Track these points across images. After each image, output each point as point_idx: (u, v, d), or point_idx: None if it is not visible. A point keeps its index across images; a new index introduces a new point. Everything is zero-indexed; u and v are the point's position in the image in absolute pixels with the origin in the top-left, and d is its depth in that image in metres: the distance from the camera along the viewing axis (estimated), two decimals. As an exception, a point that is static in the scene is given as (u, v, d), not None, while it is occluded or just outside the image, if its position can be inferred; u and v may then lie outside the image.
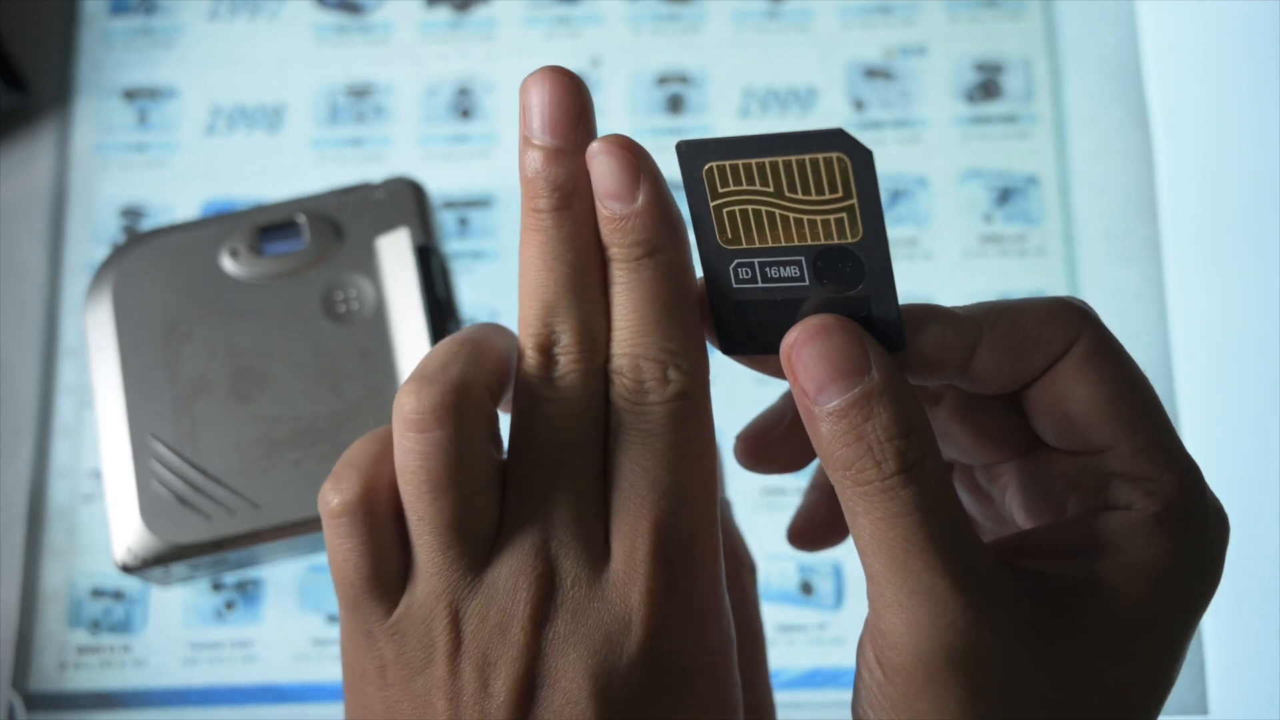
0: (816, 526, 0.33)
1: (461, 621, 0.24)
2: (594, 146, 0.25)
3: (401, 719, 0.25)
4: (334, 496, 0.25)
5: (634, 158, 0.25)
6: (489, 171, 0.57)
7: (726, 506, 0.32)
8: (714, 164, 0.25)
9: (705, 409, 0.26)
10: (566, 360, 0.25)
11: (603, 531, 0.25)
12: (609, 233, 0.25)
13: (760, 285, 0.25)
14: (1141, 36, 0.58)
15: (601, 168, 0.25)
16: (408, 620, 0.25)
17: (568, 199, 0.25)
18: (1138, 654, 0.24)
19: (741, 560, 0.33)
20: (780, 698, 0.51)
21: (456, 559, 0.24)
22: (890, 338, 0.25)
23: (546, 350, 0.25)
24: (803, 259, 0.25)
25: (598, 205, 0.25)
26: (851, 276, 0.25)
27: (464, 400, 0.24)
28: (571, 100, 0.25)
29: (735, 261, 0.25)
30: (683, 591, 0.24)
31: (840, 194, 0.24)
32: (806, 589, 0.52)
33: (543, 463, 0.25)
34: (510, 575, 0.24)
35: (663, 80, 0.58)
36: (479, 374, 0.25)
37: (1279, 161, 0.56)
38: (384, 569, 0.25)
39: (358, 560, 0.25)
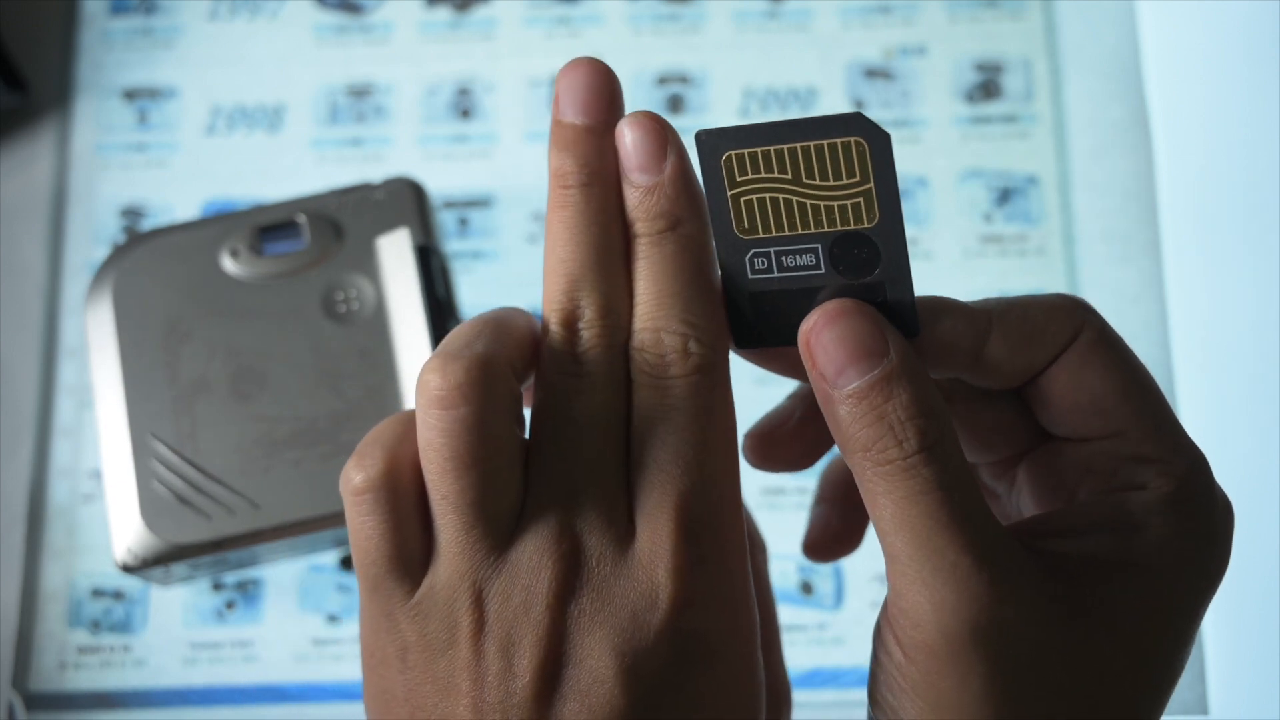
0: (830, 538, 0.34)
1: (485, 601, 0.24)
2: (622, 121, 0.26)
3: (423, 702, 0.24)
4: (357, 474, 0.25)
5: (661, 131, 0.26)
6: (489, 171, 0.57)
7: None
8: (732, 152, 0.25)
9: (726, 382, 0.26)
10: (590, 335, 0.25)
11: (627, 508, 0.25)
12: (634, 206, 0.26)
13: (776, 275, 0.26)
14: (1141, 36, 0.58)
15: (629, 141, 0.26)
16: (430, 601, 0.24)
17: (595, 175, 0.26)
18: (1155, 629, 0.24)
19: (755, 541, 0.33)
20: (780, 698, 0.51)
21: (480, 538, 0.24)
22: (905, 323, 0.25)
23: (571, 325, 0.25)
24: (819, 246, 0.25)
25: (624, 179, 0.26)
26: (867, 262, 0.25)
27: (489, 376, 0.24)
28: (602, 83, 0.26)
29: (751, 252, 0.26)
30: (709, 567, 0.24)
31: (857, 178, 0.24)
32: (806, 589, 0.52)
33: (566, 439, 0.25)
34: (534, 553, 0.24)
35: (663, 80, 0.58)
36: (503, 351, 0.25)
37: (1279, 161, 0.56)
38: (406, 548, 0.25)
39: (379, 539, 0.25)
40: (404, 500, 0.25)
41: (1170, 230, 0.55)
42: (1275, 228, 0.55)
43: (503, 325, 0.26)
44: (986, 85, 0.58)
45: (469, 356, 0.24)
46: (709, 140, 0.25)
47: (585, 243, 0.26)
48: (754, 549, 0.32)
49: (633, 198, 0.26)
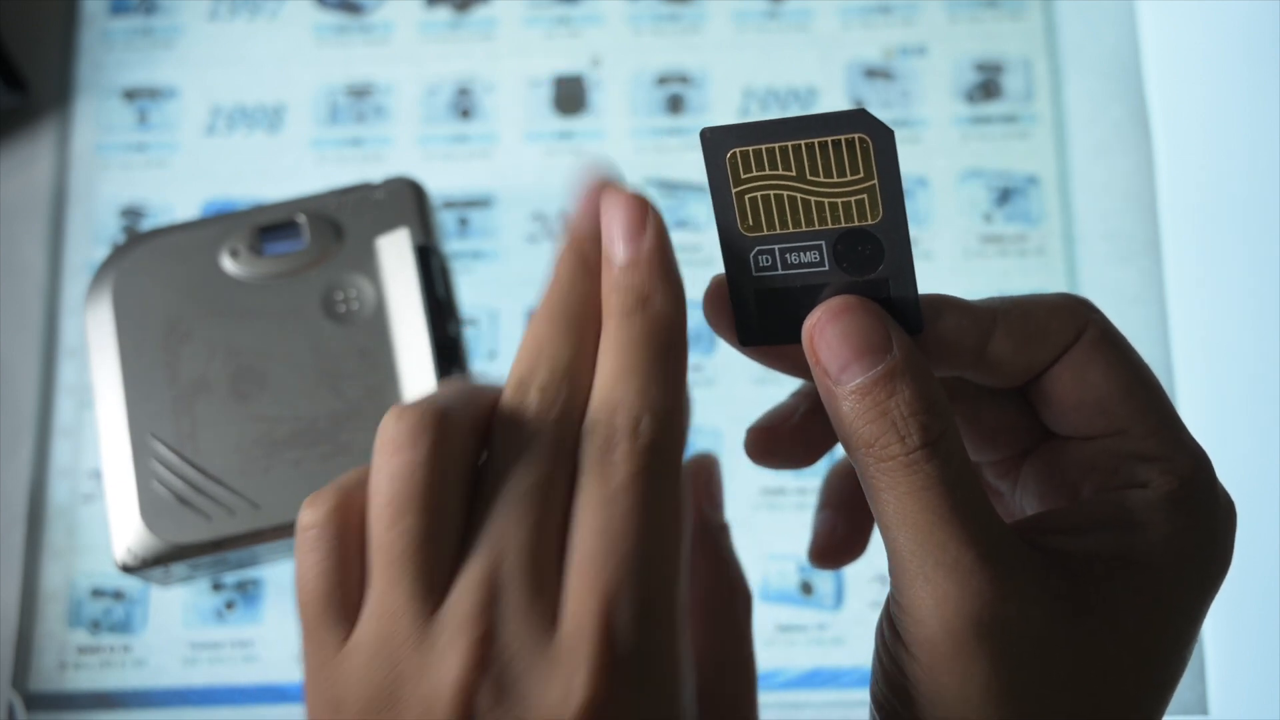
0: (837, 544, 0.33)
1: (400, 677, 0.23)
2: (606, 196, 0.26)
3: None
4: (306, 511, 0.24)
5: (641, 209, 0.25)
6: (489, 171, 0.57)
7: (724, 533, 0.31)
8: (737, 150, 0.25)
9: (676, 468, 0.24)
10: (541, 402, 0.25)
11: (555, 590, 0.23)
12: (608, 283, 0.25)
13: (780, 272, 0.26)
14: (1141, 36, 0.58)
15: (609, 218, 0.25)
16: (355, 658, 0.23)
17: (586, 261, 0.26)
18: (1157, 626, 0.24)
19: (736, 590, 0.31)
20: (780, 698, 0.51)
21: (406, 599, 0.23)
22: (908, 320, 0.25)
23: (525, 390, 0.25)
24: (823, 243, 0.25)
25: (603, 256, 0.26)
26: (871, 259, 0.25)
27: (443, 426, 0.24)
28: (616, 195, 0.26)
29: (756, 249, 0.26)
30: (632, 668, 0.23)
31: (861, 175, 0.24)
32: (806, 589, 0.52)
33: (505, 506, 0.24)
34: (451, 633, 0.23)
35: (663, 80, 0.58)
36: (467, 408, 0.24)
37: (1279, 161, 0.56)
38: (343, 590, 0.24)
39: (317, 577, 0.24)
40: (349, 542, 0.24)
41: (1170, 230, 0.55)
42: (1275, 228, 0.55)
43: (475, 389, 0.25)
44: (986, 85, 0.58)
45: (428, 406, 0.24)
46: (714, 138, 0.25)
47: (562, 315, 0.25)
48: (734, 597, 0.31)
49: (608, 276, 0.25)
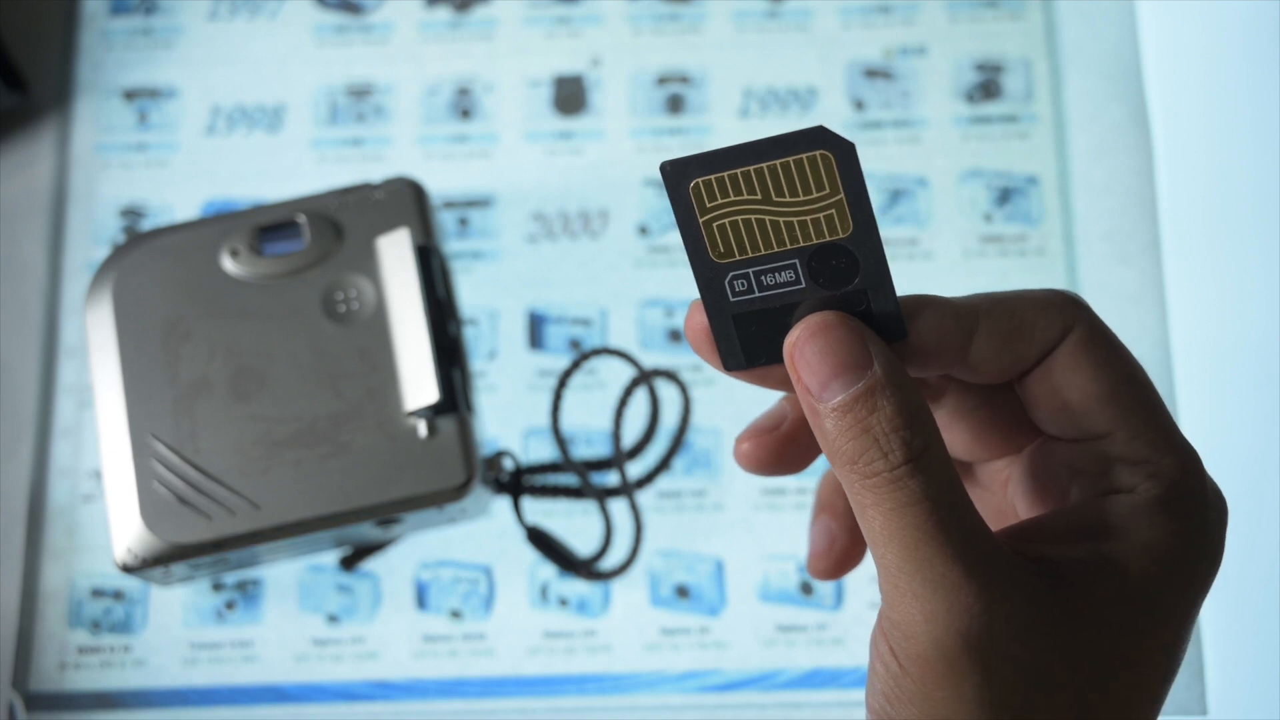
0: (837, 555, 0.33)
1: None
2: None
3: None
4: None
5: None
6: (489, 171, 0.57)
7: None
8: (699, 180, 0.25)
9: None
10: None
11: None
12: None
13: (757, 295, 0.26)
14: (1141, 36, 0.58)
15: None
16: None
17: None
18: (1146, 632, 0.24)
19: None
20: (780, 698, 0.51)
21: None
22: (890, 328, 0.25)
23: None
24: (796, 262, 0.25)
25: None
26: (846, 272, 0.25)
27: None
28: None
29: (730, 275, 0.26)
30: None
31: (827, 190, 0.24)
32: (806, 589, 0.52)
33: None
34: None
35: (663, 80, 0.58)
36: None
37: (1278, 161, 0.56)
38: None
39: None
40: None
41: (1170, 230, 0.55)
42: (1276, 227, 0.55)
43: None
44: (986, 85, 0.58)
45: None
46: (675, 170, 0.25)
47: None
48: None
49: None
